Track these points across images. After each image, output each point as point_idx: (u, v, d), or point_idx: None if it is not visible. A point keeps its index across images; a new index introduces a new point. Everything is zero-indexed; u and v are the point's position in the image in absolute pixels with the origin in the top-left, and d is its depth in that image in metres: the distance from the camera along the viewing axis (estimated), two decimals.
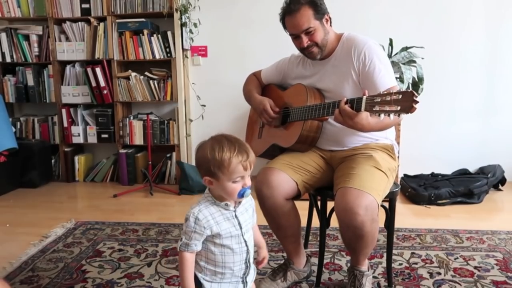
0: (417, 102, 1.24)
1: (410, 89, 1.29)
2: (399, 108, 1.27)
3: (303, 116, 1.68)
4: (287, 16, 1.68)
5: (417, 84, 2.90)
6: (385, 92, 1.33)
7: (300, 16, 1.64)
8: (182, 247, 1.18)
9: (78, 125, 3.58)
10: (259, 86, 2.02)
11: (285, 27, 1.74)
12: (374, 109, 1.34)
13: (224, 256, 1.20)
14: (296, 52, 1.89)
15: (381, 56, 1.65)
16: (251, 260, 1.25)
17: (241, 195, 1.16)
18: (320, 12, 1.66)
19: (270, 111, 1.82)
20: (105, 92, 3.45)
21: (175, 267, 1.99)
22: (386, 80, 1.61)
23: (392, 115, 1.30)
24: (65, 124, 3.57)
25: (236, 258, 1.21)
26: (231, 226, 1.19)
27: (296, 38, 1.70)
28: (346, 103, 1.45)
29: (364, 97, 1.38)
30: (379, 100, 1.33)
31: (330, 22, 1.72)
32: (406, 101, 1.25)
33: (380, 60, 1.63)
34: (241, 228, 1.21)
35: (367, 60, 1.63)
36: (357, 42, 1.67)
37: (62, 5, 3.43)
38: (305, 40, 1.66)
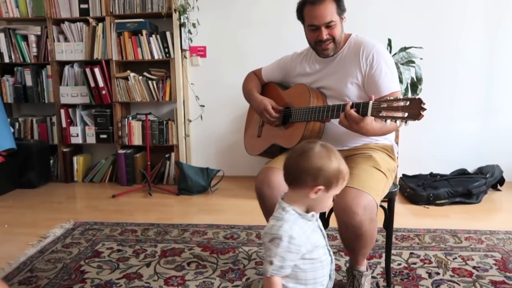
0: (425, 109, 1.24)
1: (409, 90, 1.30)
2: (406, 114, 1.27)
3: (306, 117, 1.67)
4: (309, 5, 1.64)
5: (415, 84, 2.90)
6: (392, 98, 1.34)
7: (324, 8, 1.62)
8: (274, 271, 1.06)
9: (76, 125, 3.57)
10: (259, 85, 2.01)
11: (300, 16, 1.71)
12: (380, 114, 1.34)
13: (316, 272, 1.12)
14: (298, 50, 1.89)
15: (388, 60, 1.66)
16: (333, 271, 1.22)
17: None
18: (341, 8, 1.66)
19: (272, 111, 1.82)
20: (103, 92, 3.45)
21: (174, 267, 1.99)
22: (390, 84, 1.62)
23: (398, 122, 1.31)
24: (64, 125, 3.56)
25: (324, 271, 1.15)
26: (319, 237, 1.15)
27: (315, 30, 1.66)
28: (351, 107, 1.45)
29: (371, 102, 1.38)
30: (385, 105, 1.33)
31: (344, 22, 1.72)
32: (414, 108, 1.26)
33: (387, 64, 1.65)
34: (324, 237, 1.17)
35: (374, 63, 1.64)
36: (366, 44, 1.68)
37: (60, 5, 3.42)
38: (325, 33, 1.64)
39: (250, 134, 2.09)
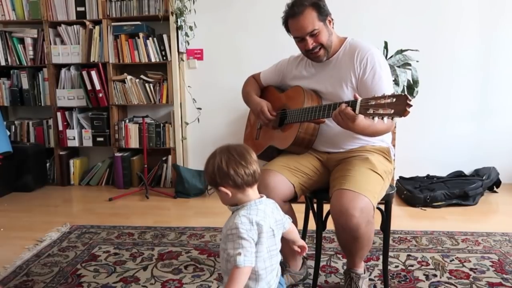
0: (410, 105, 1.25)
1: (405, 92, 1.30)
2: (392, 111, 1.27)
3: (300, 118, 1.68)
4: (291, 19, 1.67)
5: (412, 87, 2.91)
6: (379, 96, 1.34)
7: (304, 19, 1.63)
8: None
9: (73, 128, 3.56)
10: (258, 88, 2.02)
11: (288, 30, 1.73)
12: (368, 112, 1.34)
13: None
14: (295, 53, 1.90)
15: (383, 64, 1.67)
16: None
17: None
18: (323, 13, 1.66)
19: (267, 113, 1.83)
20: (100, 95, 3.44)
21: (171, 270, 1.99)
22: (383, 88, 1.62)
23: (385, 118, 1.31)
24: (60, 128, 3.55)
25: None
26: None
27: (301, 41, 1.69)
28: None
29: (359, 100, 1.38)
30: (373, 103, 1.33)
31: (333, 24, 1.73)
32: (399, 105, 1.26)
33: (381, 68, 1.65)
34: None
35: (368, 67, 1.64)
36: (361, 48, 1.68)
37: (57, 8, 3.41)
38: (310, 42, 1.66)
39: (248, 137, 2.10)
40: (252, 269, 1.16)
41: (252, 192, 1.20)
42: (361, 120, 1.42)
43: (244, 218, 1.15)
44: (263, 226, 1.16)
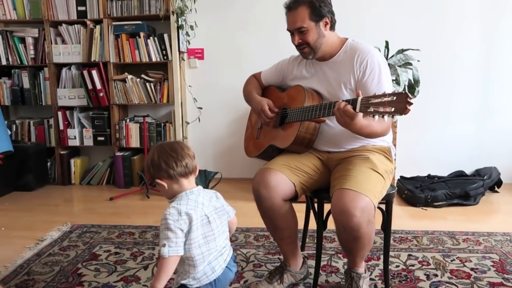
0: (411, 103, 1.25)
1: (407, 91, 1.29)
2: (393, 109, 1.27)
3: (300, 117, 1.68)
4: (287, 12, 1.72)
5: (413, 86, 2.91)
6: (380, 94, 1.34)
7: (296, 14, 1.67)
8: None
9: (74, 127, 3.57)
10: (259, 87, 2.02)
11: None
12: (368, 110, 1.34)
13: None
14: (296, 53, 1.90)
15: (383, 67, 1.66)
16: None
17: None
18: (318, 14, 1.66)
19: (268, 112, 1.83)
20: (101, 94, 3.44)
21: None
22: (382, 91, 1.61)
23: (386, 117, 1.31)
24: (61, 127, 3.55)
25: None
26: None
27: (292, 34, 1.73)
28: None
29: (359, 98, 1.38)
30: (374, 101, 1.33)
31: (332, 26, 1.72)
32: (400, 103, 1.26)
33: (381, 71, 1.64)
34: None
35: (368, 69, 1.64)
36: (362, 50, 1.68)
37: (58, 7, 3.42)
38: (297, 38, 1.70)
39: (249, 136, 2.10)
40: (189, 256, 1.23)
41: (188, 183, 1.29)
42: (359, 119, 1.42)
43: (172, 209, 1.25)
44: (193, 215, 1.23)
